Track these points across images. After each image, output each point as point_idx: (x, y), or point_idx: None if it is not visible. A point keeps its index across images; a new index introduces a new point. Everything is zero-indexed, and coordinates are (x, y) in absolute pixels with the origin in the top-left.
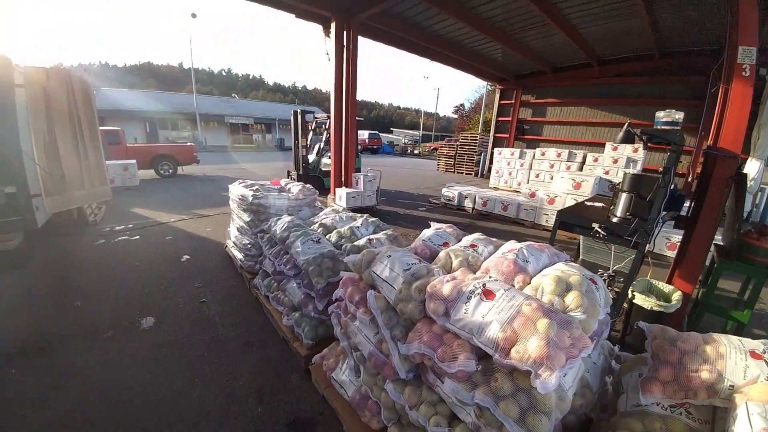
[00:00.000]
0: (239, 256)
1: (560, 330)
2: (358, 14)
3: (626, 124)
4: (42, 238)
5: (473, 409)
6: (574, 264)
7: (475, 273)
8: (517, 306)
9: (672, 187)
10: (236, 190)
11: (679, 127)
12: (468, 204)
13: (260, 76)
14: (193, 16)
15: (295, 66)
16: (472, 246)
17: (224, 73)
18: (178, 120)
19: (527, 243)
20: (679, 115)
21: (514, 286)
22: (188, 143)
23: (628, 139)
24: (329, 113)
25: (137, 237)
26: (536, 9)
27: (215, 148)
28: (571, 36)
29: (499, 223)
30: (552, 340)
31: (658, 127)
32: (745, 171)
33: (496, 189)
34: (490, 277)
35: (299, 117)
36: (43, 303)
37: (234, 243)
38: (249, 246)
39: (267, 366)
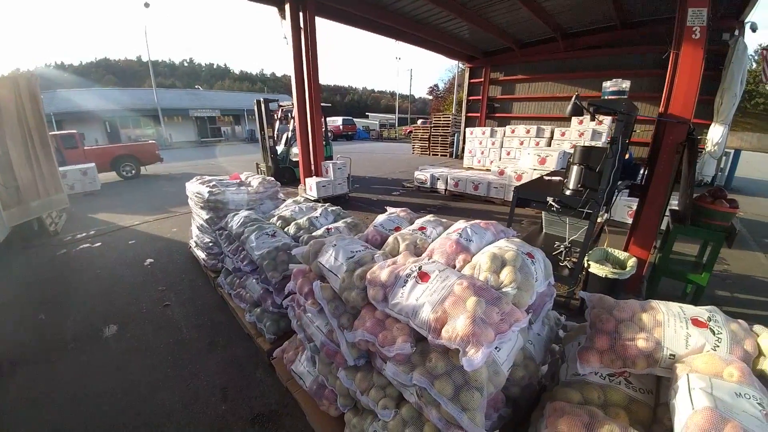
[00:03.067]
0: (202, 255)
1: (489, 306)
2: None
3: (574, 96)
4: (2, 252)
5: (415, 390)
6: (515, 240)
7: (420, 255)
8: (449, 286)
9: (627, 156)
10: (193, 188)
11: (625, 96)
12: (441, 186)
13: (225, 65)
14: (146, 5)
15: (261, 52)
16: (421, 229)
17: (186, 64)
18: (140, 117)
19: (473, 222)
20: (626, 84)
21: (455, 266)
22: (150, 141)
23: (576, 111)
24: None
25: (99, 244)
26: None
27: (182, 144)
28: (533, 10)
29: (472, 202)
30: (479, 317)
31: (605, 98)
32: (708, 136)
33: (469, 169)
34: (430, 258)
35: (263, 106)
36: (7, 318)
37: (196, 242)
38: (210, 244)
39: (231, 364)
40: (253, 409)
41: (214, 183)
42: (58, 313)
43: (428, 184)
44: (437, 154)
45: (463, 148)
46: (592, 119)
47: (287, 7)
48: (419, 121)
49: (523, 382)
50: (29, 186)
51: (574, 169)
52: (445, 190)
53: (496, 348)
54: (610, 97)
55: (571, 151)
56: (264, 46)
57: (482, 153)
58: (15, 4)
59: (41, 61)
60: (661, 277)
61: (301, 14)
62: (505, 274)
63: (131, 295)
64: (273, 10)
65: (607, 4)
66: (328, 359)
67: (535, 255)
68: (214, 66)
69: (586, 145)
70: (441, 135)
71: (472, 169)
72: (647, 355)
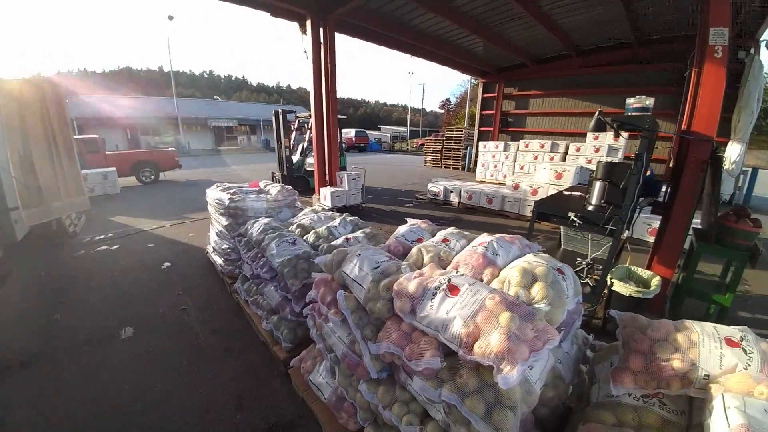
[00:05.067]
0: (219, 261)
1: (523, 323)
2: (333, 11)
3: (597, 112)
4: (22, 251)
5: (443, 407)
6: (543, 255)
7: (445, 268)
8: (481, 300)
9: (648, 173)
10: (213, 194)
11: (649, 113)
12: (454, 198)
13: (243, 77)
14: (170, 18)
15: (278, 65)
16: (444, 241)
17: (206, 76)
18: (160, 125)
19: (498, 235)
20: (650, 101)
21: (482, 280)
22: (170, 148)
23: (599, 127)
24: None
25: (117, 246)
26: (514, 2)
27: (199, 152)
28: (549, 28)
29: (485, 216)
30: (513, 333)
31: (629, 114)
32: (725, 154)
33: (482, 182)
34: (458, 271)
35: (280, 117)
36: (23, 318)
37: (214, 248)
38: (228, 250)
39: (247, 371)
40: (269, 419)
41: (234, 190)
42: (73, 313)
43: (441, 196)
44: (449, 167)
45: (476, 162)
46: (616, 135)
47: (308, 23)
48: (432, 135)
49: (553, 402)
50: (51, 187)
51: (597, 184)
52: (459, 202)
53: (529, 366)
54: (634, 114)
55: (588, 166)
56: (281, 60)
57: (495, 167)
58: (42, 12)
59: (65, 67)
60: (685, 297)
61: (321, 30)
62: (537, 290)
63: (148, 298)
64: (293, 25)
65: (623, 22)
66: (349, 371)
67: (565, 271)
68: (233, 78)
69: (609, 160)
70: (453, 148)
71: (484, 182)
72: (682, 376)
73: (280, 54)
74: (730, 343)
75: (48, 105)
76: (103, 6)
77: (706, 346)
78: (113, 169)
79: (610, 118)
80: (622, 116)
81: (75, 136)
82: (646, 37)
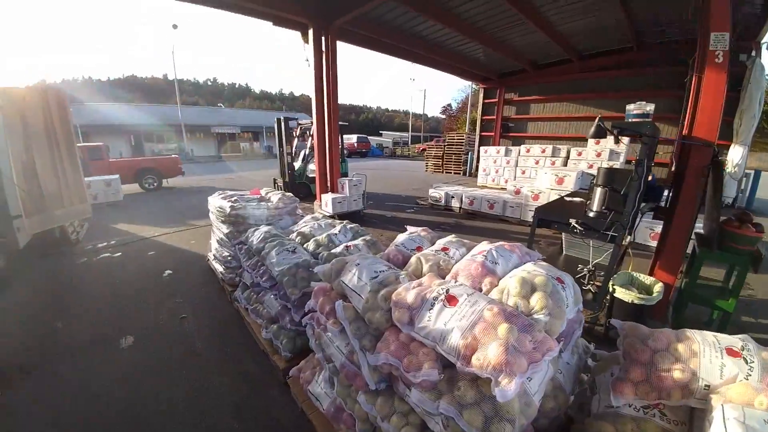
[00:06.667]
0: (220, 268)
1: (521, 334)
2: (335, 20)
3: (597, 118)
4: (24, 259)
5: (441, 419)
6: (542, 263)
7: (444, 277)
8: (479, 311)
9: (650, 178)
10: (215, 202)
11: (649, 119)
12: (455, 204)
13: (246, 85)
14: (174, 27)
15: (280, 73)
16: (444, 249)
17: (210, 83)
18: (163, 132)
19: (498, 244)
20: (650, 107)
21: (481, 290)
22: (173, 155)
23: (599, 133)
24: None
25: (119, 254)
26: (514, 8)
27: (203, 159)
28: (549, 33)
29: (486, 221)
30: (512, 345)
31: (629, 120)
32: (728, 157)
33: (483, 187)
34: (456, 281)
35: (282, 124)
36: (24, 325)
37: (215, 255)
38: (229, 258)
39: (246, 380)
40: (267, 429)
41: (235, 198)
42: (75, 321)
43: (442, 201)
44: (450, 172)
45: (477, 167)
46: (616, 142)
47: (310, 32)
48: (433, 140)
49: (553, 413)
50: (54, 195)
51: (598, 191)
52: (460, 208)
53: (528, 378)
54: (634, 120)
55: (590, 170)
56: (284, 68)
57: (496, 172)
58: (46, 20)
59: (69, 74)
60: (688, 303)
61: (323, 39)
62: (536, 300)
63: (149, 306)
64: (295, 34)
65: (623, 27)
66: (347, 381)
67: (565, 280)
68: (236, 85)
69: (609, 166)
70: (455, 153)
71: (486, 187)
72: (683, 387)
73: (282, 62)
74: (730, 352)
75: (52, 112)
76: (109, 15)
77: (706, 356)
78: (116, 176)
79: (611, 124)
80: (622, 122)
81: (79, 144)
82: (647, 41)
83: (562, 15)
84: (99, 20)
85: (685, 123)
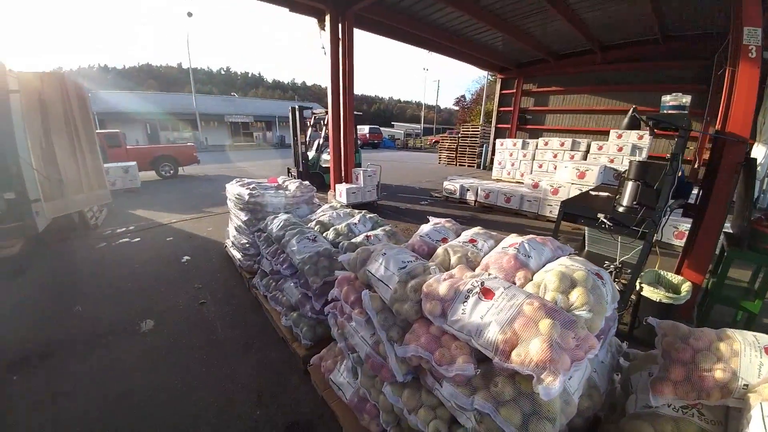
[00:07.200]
0: (238, 255)
1: (564, 330)
2: (352, 6)
3: (631, 109)
4: (43, 243)
5: (473, 414)
6: (578, 258)
7: (474, 270)
8: (518, 305)
9: (679, 174)
10: (233, 189)
11: (686, 111)
12: (470, 197)
13: (259, 74)
14: (189, 15)
15: (293, 62)
16: (472, 241)
17: (223, 72)
18: (178, 121)
19: (529, 236)
20: (687, 99)
21: (515, 284)
22: (188, 143)
23: (633, 125)
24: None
25: (138, 239)
26: None
27: (216, 148)
28: (571, 22)
29: (502, 215)
30: (555, 342)
31: (665, 112)
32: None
33: (498, 181)
34: (489, 274)
35: (297, 114)
36: (44, 309)
37: (233, 242)
38: (247, 245)
39: (266, 367)
40: (288, 417)
41: (253, 186)
42: (94, 305)
43: (457, 194)
44: (464, 165)
45: (492, 160)
46: (651, 134)
47: (327, 18)
48: (447, 132)
49: (588, 413)
50: (73, 180)
51: (629, 185)
52: (475, 201)
53: (569, 376)
54: (670, 111)
55: (612, 165)
56: (296, 57)
57: (512, 165)
58: (63, 8)
59: (86, 62)
60: (714, 304)
61: (340, 26)
62: (576, 296)
63: (168, 291)
64: (310, 22)
65: (649, 18)
66: (372, 372)
67: (603, 276)
68: (249, 75)
69: (642, 160)
70: (469, 146)
71: (501, 180)
72: (723, 386)
73: (295, 51)
74: None
75: (70, 98)
76: (126, 4)
77: (747, 356)
78: (134, 163)
79: (646, 116)
80: (658, 114)
81: (97, 131)
82: (673, 34)
83: (584, 3)
84: (119, 9)
85: (718, 118)
